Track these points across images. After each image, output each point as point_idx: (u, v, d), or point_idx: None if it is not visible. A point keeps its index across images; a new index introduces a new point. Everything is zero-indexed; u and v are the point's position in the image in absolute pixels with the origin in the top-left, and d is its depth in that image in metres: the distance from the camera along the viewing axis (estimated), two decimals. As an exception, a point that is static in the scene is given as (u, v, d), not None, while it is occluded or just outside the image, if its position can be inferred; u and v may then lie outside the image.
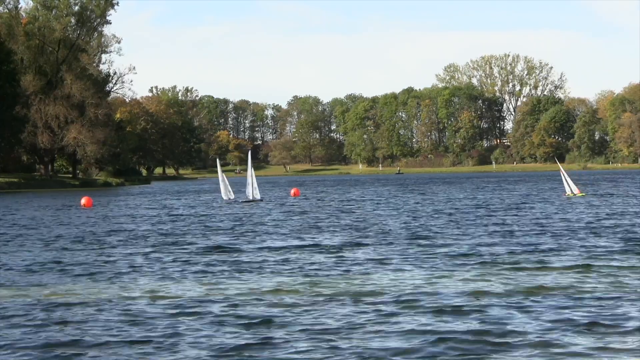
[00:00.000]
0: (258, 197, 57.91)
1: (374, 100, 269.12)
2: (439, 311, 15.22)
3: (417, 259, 23.07)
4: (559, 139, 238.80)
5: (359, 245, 27.49)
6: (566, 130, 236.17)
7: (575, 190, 58.64)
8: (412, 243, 27.62)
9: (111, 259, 24.66)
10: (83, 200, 57.92)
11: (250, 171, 57.33)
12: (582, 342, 12.84)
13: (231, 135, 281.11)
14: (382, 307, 15.70)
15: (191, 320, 14.82)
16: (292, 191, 74.05)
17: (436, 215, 41.65)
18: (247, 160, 59.73)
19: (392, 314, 15.07)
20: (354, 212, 45.76)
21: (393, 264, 22.09)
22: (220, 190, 59.95)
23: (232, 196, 58.80)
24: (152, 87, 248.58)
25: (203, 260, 23.77)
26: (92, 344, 13.19)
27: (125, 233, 34.22)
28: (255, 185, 58.02)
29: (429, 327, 13.93)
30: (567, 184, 58.70)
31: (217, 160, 61.76)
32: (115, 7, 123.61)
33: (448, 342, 12.87)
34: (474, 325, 14.06)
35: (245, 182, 59.48)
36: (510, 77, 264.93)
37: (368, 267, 21.69)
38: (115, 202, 66.67)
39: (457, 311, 15.21)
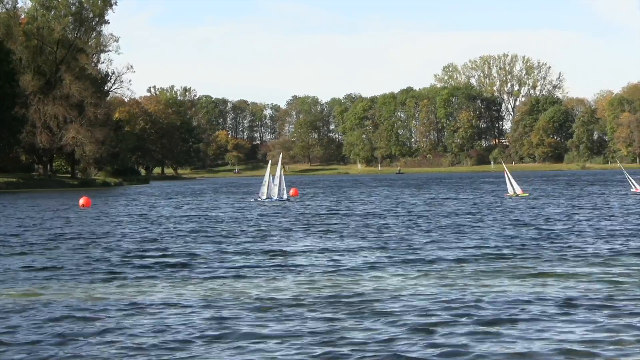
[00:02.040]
0: (285, 197, 59.73)
1: (373, 100, 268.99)
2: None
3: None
4: (558, 138, 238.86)
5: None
6: (565, 130, 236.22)
7: (518, 190, 60.73)
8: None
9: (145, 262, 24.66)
10: (81, 201, 57.74)
11: (280, 172, 59.38)
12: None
13: (230, 135, 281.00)
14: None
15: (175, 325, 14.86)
16: (291, 191, 74.16)
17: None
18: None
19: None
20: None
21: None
22: (265, 189, 60.42)
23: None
24: (150, 87, 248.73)
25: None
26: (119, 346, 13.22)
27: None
28: (284, 186, 60.04)
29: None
30: (510, 184, 60.87)
31: (281, 156, 64.27)
32: (114, 7, 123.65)
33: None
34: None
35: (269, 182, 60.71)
36: (509, 77, 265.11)
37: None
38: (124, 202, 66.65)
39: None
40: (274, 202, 57.94)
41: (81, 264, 23.54)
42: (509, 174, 61.96)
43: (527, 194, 61.11)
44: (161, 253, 26.18)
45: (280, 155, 67.02)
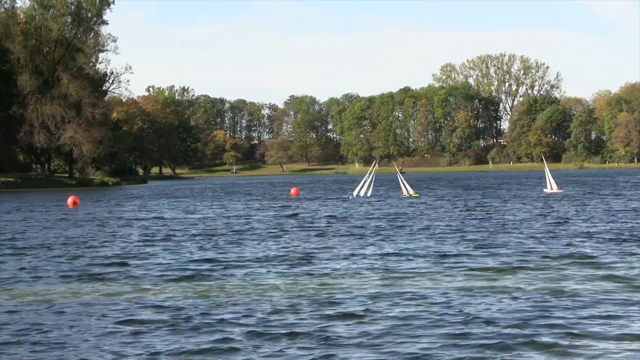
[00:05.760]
0: (369, 194, 63.23)
1: (371, 99, 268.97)
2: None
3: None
4: (556, 138, 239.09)
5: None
6: (563, 130, 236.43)
7: (411, 191, 65.15)
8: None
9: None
10: (70, 200, 57.32)
11: (370, 173, 63.31)
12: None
13: (227, 135, 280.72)
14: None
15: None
16: (292, 191, 74.54)
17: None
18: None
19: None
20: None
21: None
22: (361, 188, 64.40)
23: (369, 194, 63.71)
24: (148, 87, 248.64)
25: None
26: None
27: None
28: (370, 186, 63.64)
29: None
30: (404, 185, 65.45)
31: (377, 160, 69.25)
32: (111, 6, 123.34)
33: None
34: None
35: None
36: (507, 76, 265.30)
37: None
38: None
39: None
40: (359, 200, 60.86)
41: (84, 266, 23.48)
42: (401, 176, 68.20)
43: (417, 195, 64.91)
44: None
45: (377, 160, 71.46)
